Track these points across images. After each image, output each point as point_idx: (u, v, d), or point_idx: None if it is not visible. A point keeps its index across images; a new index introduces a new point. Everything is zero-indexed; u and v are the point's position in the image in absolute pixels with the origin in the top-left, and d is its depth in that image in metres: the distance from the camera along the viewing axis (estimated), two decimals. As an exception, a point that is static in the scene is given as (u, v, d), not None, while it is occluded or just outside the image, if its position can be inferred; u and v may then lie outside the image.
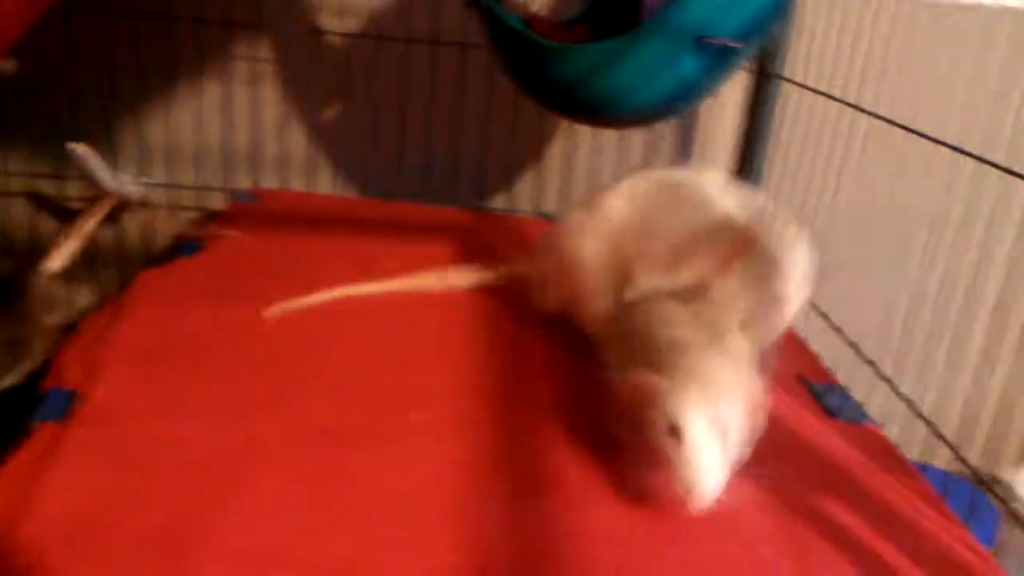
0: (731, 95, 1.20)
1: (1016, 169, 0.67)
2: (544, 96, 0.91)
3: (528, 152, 1.28)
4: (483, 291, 0.92)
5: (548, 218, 1.25)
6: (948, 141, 0.75)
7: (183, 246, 0.98)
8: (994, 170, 0.68)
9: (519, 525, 0.55)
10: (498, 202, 1.31)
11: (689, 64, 0.82)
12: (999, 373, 0.66)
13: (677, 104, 0.88)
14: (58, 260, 0.82)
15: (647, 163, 1.30)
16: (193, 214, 1.27)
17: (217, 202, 1.24)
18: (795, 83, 1.09)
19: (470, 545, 0.53)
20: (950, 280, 0.72)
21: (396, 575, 0.51)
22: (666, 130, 1.29)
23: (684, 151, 1.31)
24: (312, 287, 0.87)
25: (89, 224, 0.89)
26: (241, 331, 0.77)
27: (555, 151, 1.29)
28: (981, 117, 0.68)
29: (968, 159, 0.72)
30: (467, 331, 0.82)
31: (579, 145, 1.28)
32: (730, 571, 0.54)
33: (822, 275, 0.78)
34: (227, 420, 0.63)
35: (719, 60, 0.83)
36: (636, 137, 1.28)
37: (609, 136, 1.27)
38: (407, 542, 0.53)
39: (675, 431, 0.54)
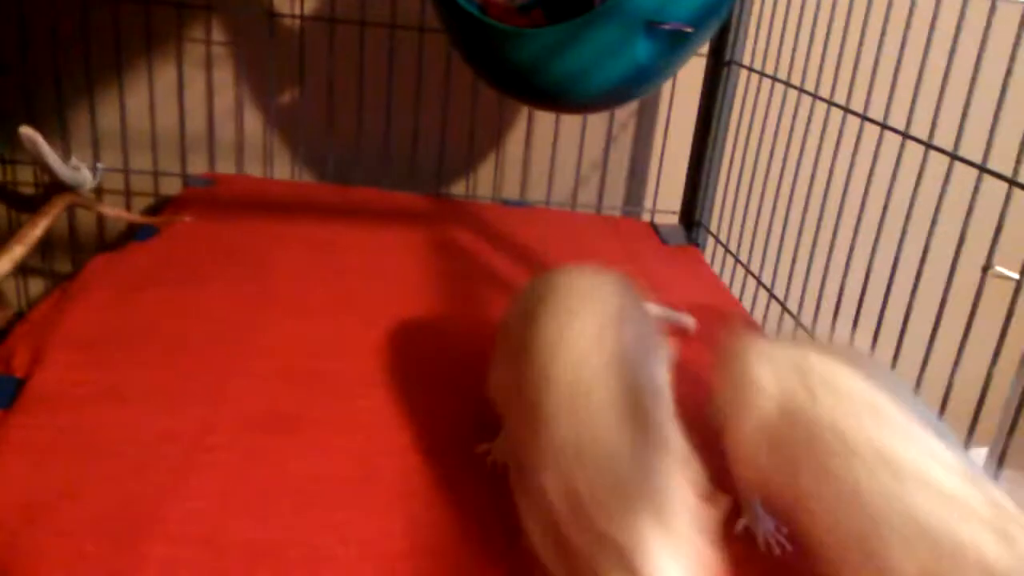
0: (690, 82, 1.21)
1: (958, 153, 0.69)
2: (501, 81, 0.91)
3: (487, 138, 1.28)
4: (447, 276, 0.92)
5: (508, 204, 1.25)
6: (894, 126, 0.77)
7: (137, 231, 0.97)
8: (943, 156, 0.70)
9: (461, 511, 0.56)
10: (457, 188, 1.31)
11: (643, 48, 0.82)
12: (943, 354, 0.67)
13: (633, 89, 0.88)
14: (3, 266, 0.80)
15: (606, 150, 1.30)
16: (148, 200, 1.25)
17: (173, 187, 1.22)
18: (750, 69, 1.10)
19: (412, 530, 0.53)
20: (902, 264, 0.74)
21: (340, 559, 0.51)
22: (627, 117, 1.30)
23: (644, 138, 1.32)
24: (266, 272, 0.87)
25: (37, 231, 0.87)
26: (190, 316, 0.76)
27: (515, 137, 1.29)
28: (930, 104, 0.69)
29: (918, 145, 0.73)
30: (421, 318, 0.82)
31: (539, 131, 1.28)
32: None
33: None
34: (173, 405, 0.63)
35: (673, 45, 0.83)
36: (597, 122, 1.29)
37: (569, 121, 1.27)
38: (351, 527, 0.53)
39: None
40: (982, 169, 0.65)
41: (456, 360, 0.73)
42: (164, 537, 0.50)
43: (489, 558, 0.52)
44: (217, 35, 1.20)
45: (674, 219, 1.27)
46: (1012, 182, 0.61)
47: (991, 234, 0.63)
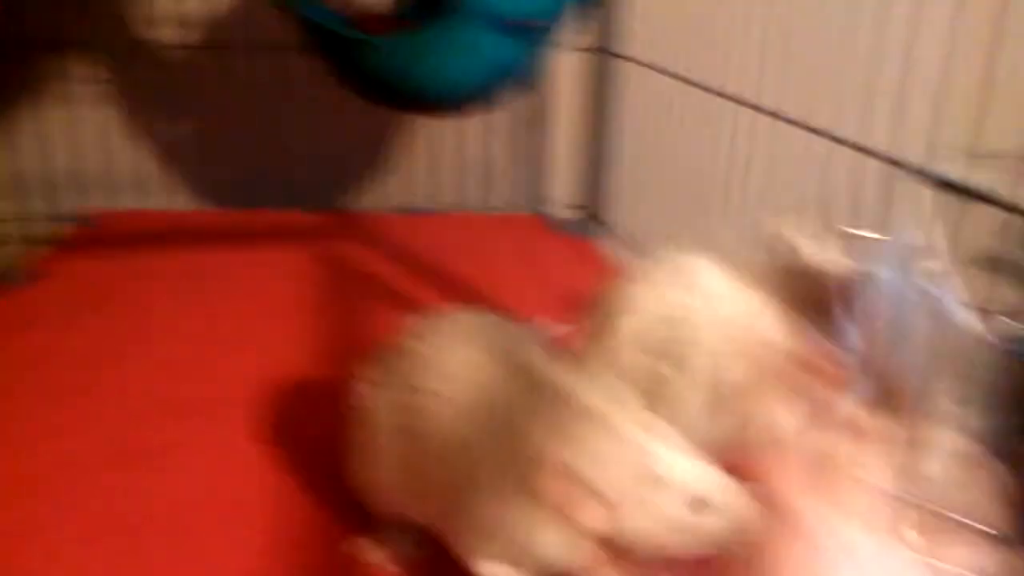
0: (580, 76, 1.22)
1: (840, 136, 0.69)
2: (369, 91, 0.91)
3: (389, 149, 1.28)
4: (326, 291, 0.92)
5: (402, 212, 1.25)
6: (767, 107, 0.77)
7: (18, 275, 0.96)
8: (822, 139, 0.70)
9: (321, 530, 0.56)
10: (365, 202, 1.30)
11: (495, 47, 0.83)
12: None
13: (498, 86, 0.89)
14: None
15: (510, 151, 1.31)
16: (45, 244, 1.24)
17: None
18: (628, 59, 1.11)
19: (270, 549, 0.53)
20: None
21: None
22: (525, 116, 1.31)
23: (539, 135, 1.33)
24: (140, 306, 0.86)
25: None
26: (56, 358, 0.76)
27: (418, 146, 1.29)
28: (815, 88, 0.69)
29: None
30: (293, 337, 0.82)
31: (430, 136, 1.28)
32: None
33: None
34: (33, 445, 0.62)
35: (525, 40, 0.84)
36: (488, 123, 1.29)
37: (458, 124, 1.28)
38: (214, 550, 0.53)
39: None
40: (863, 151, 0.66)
41: (326, 377, 0.73)
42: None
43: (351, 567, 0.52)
44: (100, 73, 1.20)
45: (571, 212, 1.28)
46: (894, 163, 0.61)
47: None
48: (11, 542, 0.52)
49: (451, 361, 0.46)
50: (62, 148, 1.20)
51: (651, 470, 0.40)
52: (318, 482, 0.59)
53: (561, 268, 1.06)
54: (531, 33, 0.83)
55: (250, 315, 0.85)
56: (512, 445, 0.41)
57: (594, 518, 0.40)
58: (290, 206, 1.22)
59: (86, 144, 1.21)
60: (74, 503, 0.57)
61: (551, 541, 0.41)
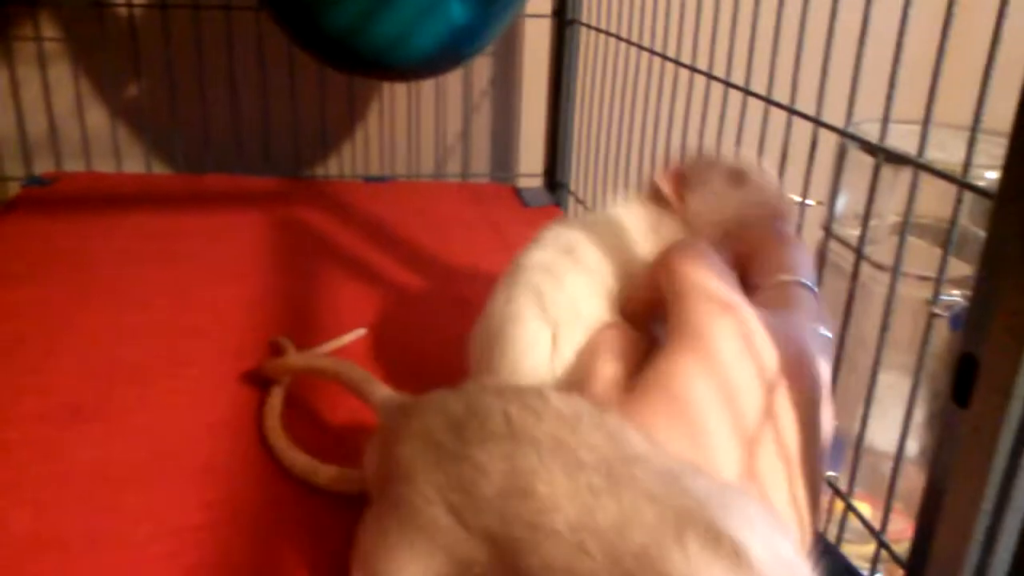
0: (542, 44, 1.21)
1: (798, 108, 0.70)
2: (318, 50, 0.90)
3: (343, 115, 1.27)
4: (288, 255, 0.91)
5: (370, 180, 1.24)
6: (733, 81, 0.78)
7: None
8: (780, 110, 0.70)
9: (262, 483, 0.55)
10: (318, 169, 1.29)
11: (456, 8, 0.82)
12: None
13: (454, 51, 0.88)
14: None
15: (468, 118, 1.30)
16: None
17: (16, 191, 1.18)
18: (591, 27, 1.10)
19: (209, 504, 0.53)
20: None
21: (128, 540, 0.50)
22: (486, 84, 1.30)
23: (505, 104, 1.32)
24: (92, 266, 0.84)
25: None
26: (2, 316, 0.74)
27: (372, 112, 1.28)
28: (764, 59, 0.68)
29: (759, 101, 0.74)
30: (247, 299, 0.81)
31: (398, 105, 1.27)
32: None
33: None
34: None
35: (487, 4, 0.83)
36: (457, 91, 1.28)
37: (428, 93, 1.27)
38: (142, 507, 0.52)
39: None
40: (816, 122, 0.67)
41: (276, 334, 0.72)
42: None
43: (288, 527, 0.52)
44: (48, 31, 1.16)
45: (539, 182, 1.27)
46: (816, 122, 0.62)
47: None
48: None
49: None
50: (6, 109, 1.17)
51: None
52: (255, 443, 0.59)
53: (523, 235, 1.05)
54: (492, -3, 0.82)
55: (205, 278, 0.84)
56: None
57: None
58: (242, 171, 1.20)
59: (31, 105, 1.17)
60: (20, 460, 0.56)
61: None
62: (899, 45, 0.50)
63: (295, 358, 0.65)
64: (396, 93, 1.27)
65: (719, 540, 0.32)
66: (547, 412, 0.39)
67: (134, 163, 1.23)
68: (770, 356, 0.42)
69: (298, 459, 0.56)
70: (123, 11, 1.16)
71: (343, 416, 0.62)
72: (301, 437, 0.58)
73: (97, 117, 1.21)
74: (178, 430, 0.59)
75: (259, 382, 0.65)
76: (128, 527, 0.51)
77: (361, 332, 0.74)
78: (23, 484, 0.54)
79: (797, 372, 0.43)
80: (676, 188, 0.57)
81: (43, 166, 1.20)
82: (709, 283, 0.44)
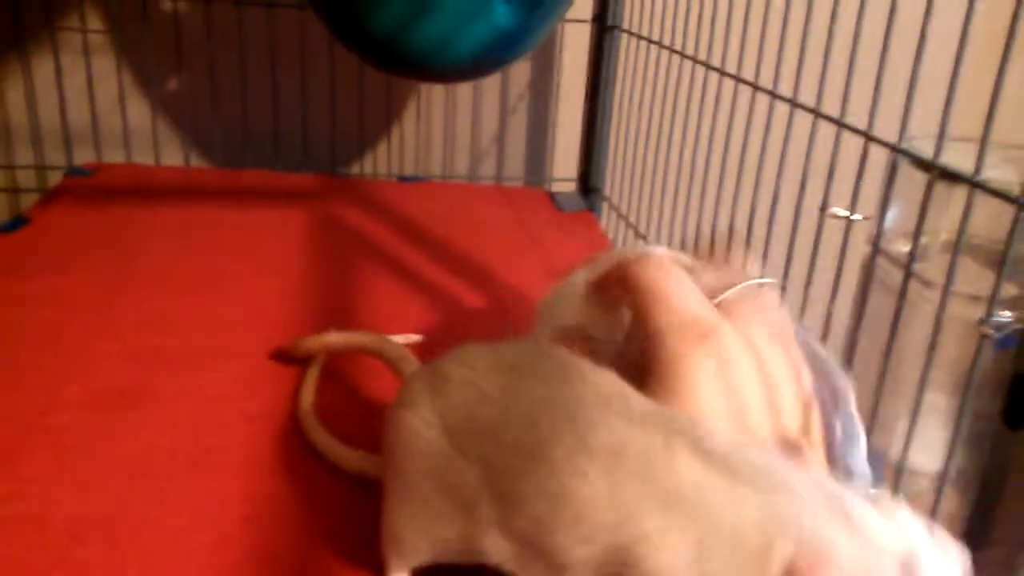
0: (580, 50, 1.22)
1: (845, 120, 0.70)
2: (365, 51, 0.90)
3: (380, 115, 1.27)
4: (326, 252, 0.92)
5: (405, 180, 1.25)
6: (773, 89, 0.77)
7: (6, 223, 0.95)
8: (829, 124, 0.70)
9: (304, 478, 0.56)
10: (354, 167, 1.30)
11: (503, 12, 0.82)
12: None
13: (498, 55, 0.88)
14: None
15: (503, 122, 1.30)
16: (35, 196, 1.22)
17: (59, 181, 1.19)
18: (632, 34, 1.10)
19: (251, 496, 0.53)
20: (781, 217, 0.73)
21: (170, 528, 0.50)
22: (523, 88, 1.30)
23: (541, 108, 1.32)
24: (135, 256, 0.85)
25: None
26: (43, 303, 0.75)
27: (410, 113, 1.28)
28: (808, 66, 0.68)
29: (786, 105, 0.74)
30: (289, 294, 0.81)
31: (434, 106, 1.28)
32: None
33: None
34: (13, 389, 0.62)
35: (533, 9, 0.83)
36: (494, 95, 1.29)
37: (465, 95, 1.27)
38: (185, 496, 0.53)
39: None
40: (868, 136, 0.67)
41: (316, 330, 0.72)
42: (-9, 518, 0.50)
43: (331, 519, 0.52)
44: (93, 24, 1.18)
45: (572, 187, 1.27)
46: (868, 136, 0.62)
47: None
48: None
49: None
50: (50, 99, 1.18)
51: None
52: (297, 436, 0.59)
53: (556, 239, 1.05)
54: (542, 2, 0.82)
55: (245, 271, 0.85)
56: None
57: None
58: (279, 169, 1.21)
59: (74, 96, 1.19)
60: (52, 443, 0.56)
61: None
62: (958, 60, 0.50)
63: (335, 335, 0.66)
64: (433, 94, 1.27)
65: (710, 452, 0.35)
66: (554, 354, 0.41)
67: (173, 156, 1.25)
68: (752, 384, 0.40)
69: (328, 443, 0.57)
70: (168, 6, 1.18)
71: (377, 401, 0.63)
72: (334, 422, 0.59)
73: (138, 110, 1.22)
74: (221, 420, 0.60)
75: (299, 373, 0.65)
76: (172, 515, 0.51)
77: (415, 338, 0.73)
78: (69, 470, 0.54)
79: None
80: None
81: (83, 156, 1.21)
82: (681, 302, 0.41)
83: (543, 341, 0.47)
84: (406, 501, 0.43)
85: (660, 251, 0.46)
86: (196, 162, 1.25)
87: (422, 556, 0.44)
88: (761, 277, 0.48)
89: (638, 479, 0.35)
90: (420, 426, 0.42)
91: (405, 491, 0.43)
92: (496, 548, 0.39)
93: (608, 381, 0.39)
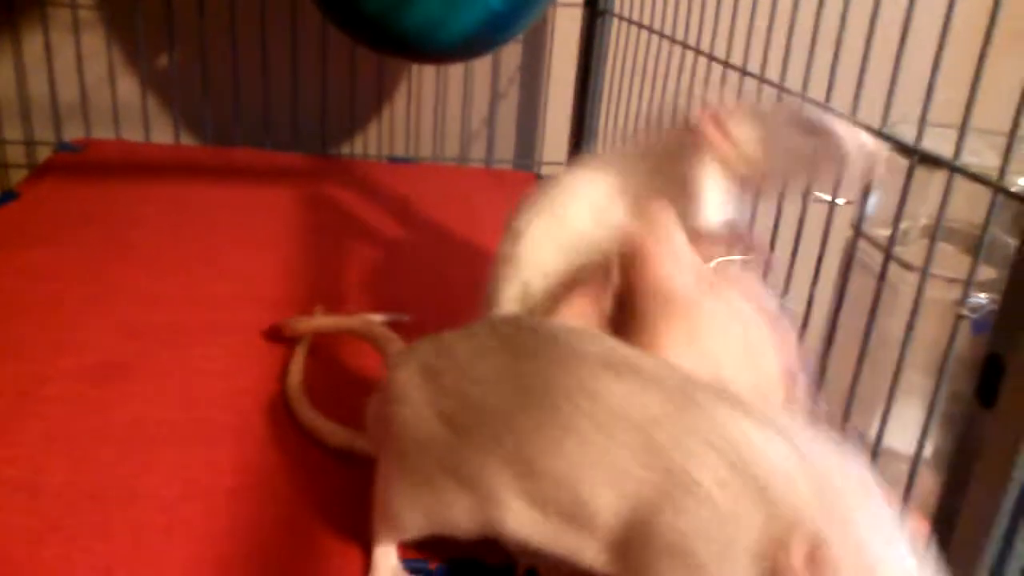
0: (571, 34, 1.22)
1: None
2: (357, 30, 0.90)
3: (371, 95, 1.27)
4: (316, 231, 0.92)
5: (396, 161, 1.25)
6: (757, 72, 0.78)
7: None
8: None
9: (293, 449, 0.57)
10: (344, 148, 1.30)
11: (495, -5, 0.82)
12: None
13: (488, 38, 0.88)
14: None
15: (494, 104, 1.31)
16: (23, 171, 1.22)
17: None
18: (623, 19, 1.11)
19: (240, 467, 0.54)
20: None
21: (161, 498, 0.51)
22: (514, 71, 1.31)
23: (531, 92, 1.33)
24: (125, 232, 0.86)
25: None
26: (35, 277, 0.75)
27: (401, 94, 1.28)
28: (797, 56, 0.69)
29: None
30: (279, 271, 0.82)
31: (425, 87, 1.28)
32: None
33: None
34: (5, 360, 0.62)
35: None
36: (484, 77, 1.29)
37: (456, 77, 1.27)
38: (175, 466, 0.54)
39: None
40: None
41: (306, 308, 0.73)
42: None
43: (318, 492, 0.53)
44: (83, -2, 1.17)
45: (558, 168, 1.28)
46: (879, 134, 0.62)
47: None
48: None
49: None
50: (39, 74, 1.18)
51: None
52: (285, 409, 0.60)
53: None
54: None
55: (234, 249, 0.85)
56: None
57: None
58: (269, 147, 1.21)
59: (63, 72, 1.19)
60: (44, 413, 0.57)
61: None
62: (940, 47, 0.51)
63: (323, 318, 0.67)
64: (424, 76, 1.27)
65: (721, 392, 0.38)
66: (527, 325, 0.44)
67: (162, 133, 1.24)
68: (732, 352, 0.43)
69: (315, 420, 0.58)
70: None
71: (364, 379, 0.64)
72: (321, 399, 0.60)
73: (128, 86, 1.22)
74: (211, 393, 0.61)
75: (288, 350, 0.66)
76: (162, 485, 0.52)
77: (404, 317, 0.74)
78: (61, 439, 0.55)
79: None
80: (719, 128, 0.57)
81: (73, 132, 1.21)
82: (672, 284, 0.45)
83: (520, 314, 0.49)
84: (406, 485, 0.44)
85: (666, 217, 0.48)
86: (186, 139, 1.25)
87: (416, 532, 0.46)
88: (746, 255, 0.50)
89: (642, 435, 0.37)
90: (413, 419, 0.43)
91: (404, 476, 0.44)
92: (519, 520, 0.40)
93: (597, 342, 0.41)
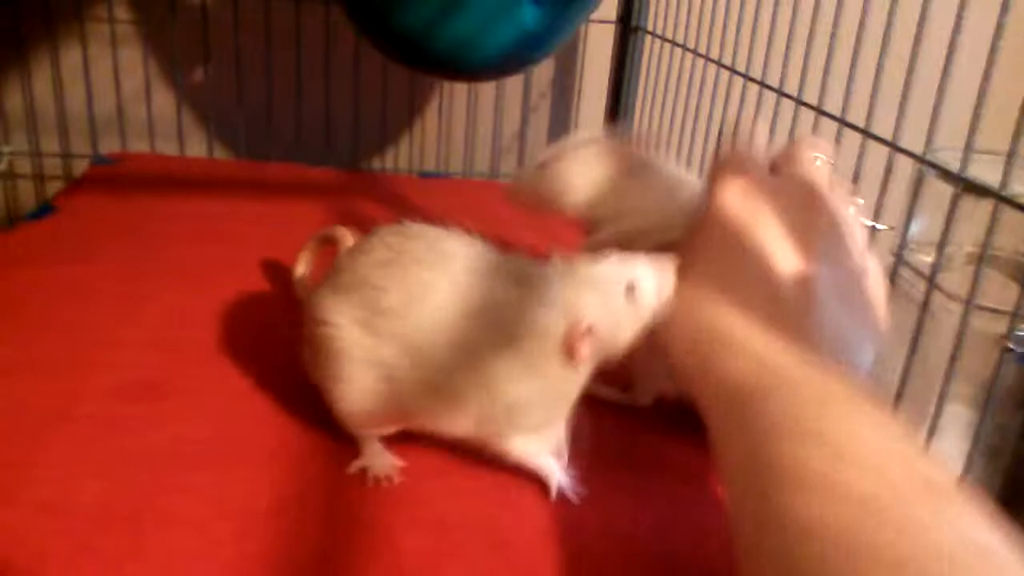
0: (603, 50, 1.22)
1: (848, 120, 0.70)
2: (392, 49, 0.91)
3: (403, 111, 1.28)
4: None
5: (426, 176, 1.25)
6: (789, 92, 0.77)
7: (34, 211, 0.96)
8: (834, 122, 0.70)
9: (328, 469, 0.56)
10: (375, 162, 1.30)
11: (529, 14, 0.82)
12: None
13: (522, 56, 0.88)
14: None
15: (525, 120, 1.31)
16: (59, 183, 1.24)
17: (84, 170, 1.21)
18: (656, 36, 1.10)
19: (275, 488, 0.54)
20: None
21: (195, 519, 0.51)
22: (545, 86, 1.31)
23: (562, 108, 1.33)
24: (159, 247, 0.86)
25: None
26: (68, 292, 0.76)
27: (431, 109, 1.29)
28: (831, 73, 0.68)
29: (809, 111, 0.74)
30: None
31: (456, 103, 1.28)
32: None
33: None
34: (37, 377, 0.63)
35: (560, 10, 0.83)
36: (515, 92, 1.29)
37: (487, 92, 1.27)
38: (209, 487, 0.54)
39: None
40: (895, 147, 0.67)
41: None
42: (6, 503, 0.50)
43: (356, 515, 0.53)
44: (121, 14, 1.19)
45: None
46: (893, 147, 0.61)
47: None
48: (16, 472, 0.53)
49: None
50: (77, 87, 1.20)
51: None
52: (323, 429, 0.60)
53: (576, 239, 1.05)
54: (569, 4, 0.82)
55: (270, 264, 0.85)
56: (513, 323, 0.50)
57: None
58: (302, 162, 1.22)
59: (100, 85, 1.20)
60: (77, 432, 0.57)
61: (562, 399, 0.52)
62: (987, 72, 0.50)
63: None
64: (456, 91, 1.28)
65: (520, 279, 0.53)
66: (415, 233, 0.54)
67: (196, 147, 1.26)
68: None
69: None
70: (195, -2, 1.19)
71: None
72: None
73: (163, 100, 1.23)
74: (246, 413, 0.61)
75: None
76: (196, 507, 0.52)
77: None
78: (93, 459, 0.55)
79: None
80: None
81: (108, 145, 1.22)
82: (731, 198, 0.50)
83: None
84: (344, 390, 0.53)
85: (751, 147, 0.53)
86: (219, 153, 1.26)
87: (371, 428, 0.56)
88: None
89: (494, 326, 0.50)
90: (334, 332, 0.52)
91: (341, 383, 0.53)
92: (419, 404, 0.51)
93: (476, 254, 0.54)
